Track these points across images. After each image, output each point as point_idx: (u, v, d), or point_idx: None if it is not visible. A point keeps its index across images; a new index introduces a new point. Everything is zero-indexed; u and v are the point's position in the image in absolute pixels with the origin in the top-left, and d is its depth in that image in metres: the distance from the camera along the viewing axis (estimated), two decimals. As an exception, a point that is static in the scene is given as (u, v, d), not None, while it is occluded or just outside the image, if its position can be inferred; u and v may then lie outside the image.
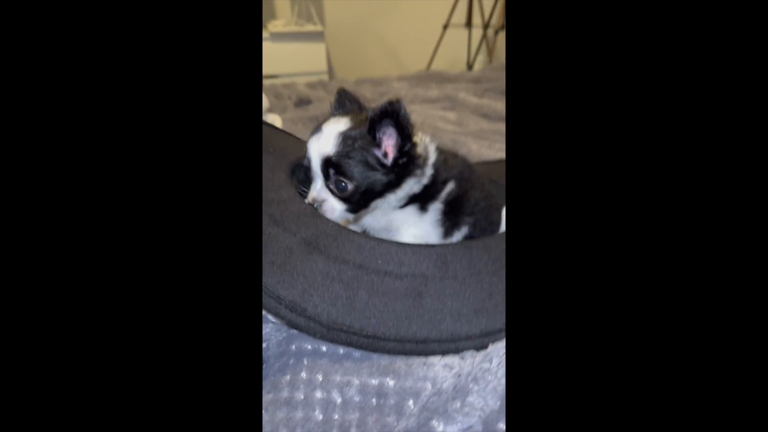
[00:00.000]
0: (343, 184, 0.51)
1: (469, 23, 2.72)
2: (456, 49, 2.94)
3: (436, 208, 0.55)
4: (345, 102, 0.59)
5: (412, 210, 0.55)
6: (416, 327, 0.43)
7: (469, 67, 2.79)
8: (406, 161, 0.51)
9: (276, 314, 0.43)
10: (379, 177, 0.51)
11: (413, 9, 3.01)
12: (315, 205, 0.52)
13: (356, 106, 0.59)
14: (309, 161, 0.52)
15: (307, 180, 0.55)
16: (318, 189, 0.52)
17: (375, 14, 3.03)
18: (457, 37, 2.82)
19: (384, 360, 0.43)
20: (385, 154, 0.51)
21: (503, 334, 0.43)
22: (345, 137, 0.50)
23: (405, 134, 0.50)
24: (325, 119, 0.55)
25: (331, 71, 3.09)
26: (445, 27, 2.68)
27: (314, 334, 0.43)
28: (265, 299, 0.43)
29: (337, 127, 0.51)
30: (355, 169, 0.50)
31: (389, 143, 0.51)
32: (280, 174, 0.56)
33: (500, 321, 0.43)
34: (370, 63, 3.21)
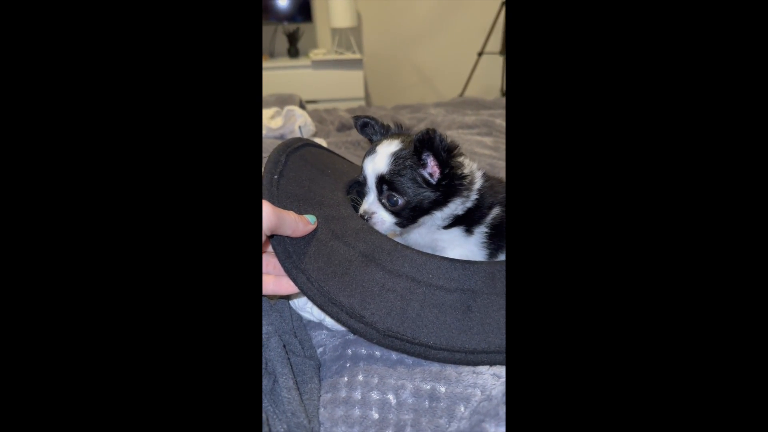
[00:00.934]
0: (395, 198, 0.57)
1: (504, 50, 2.78)
2: (489, 76, 3.00)
3: (481, 231, 0.59)
4: (369, 126, 0.66)
5: (457, 232, 0.59)
6: (465, 338, 0.46)
7: (503, 93, 2.84)
8: (450, 182, 0.57)
9: (337, 319, 0.47)
10: (427, 194, 0.57)
11: (449, 37, 3.12)
12: (365, 217, 0.58)
13: (384, 130, 0.65)
14: (364, 178, 0.59)
15: (360, 195, 0.62)
16: (370, 202, 0.59)
17: (411, 42, 3.15)
18: (492, 64, 2.88)
19: (435, 367, 0.46)
20: (431, 174, 0.57)
21: None
22: (396, 157, 0.57)
23: (442, 160, 0.55)
24: (379, 141, 0.61)
25: (368, 98, 3.21)
26: (480, 54, 2.75)
27: (371, 339, 0.47)
28: (327, 305, 0.47)
29: (389, 147, 0.58)
30: (406, 185, 0.57)
31: (434, 164, 0.56)
32: (338, 193, 0.61)
33: None
34: (406, 90, 3.31)
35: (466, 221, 0.59)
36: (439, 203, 0.58)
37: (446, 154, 0.55)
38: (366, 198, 0.60)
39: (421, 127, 1.66)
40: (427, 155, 0.55)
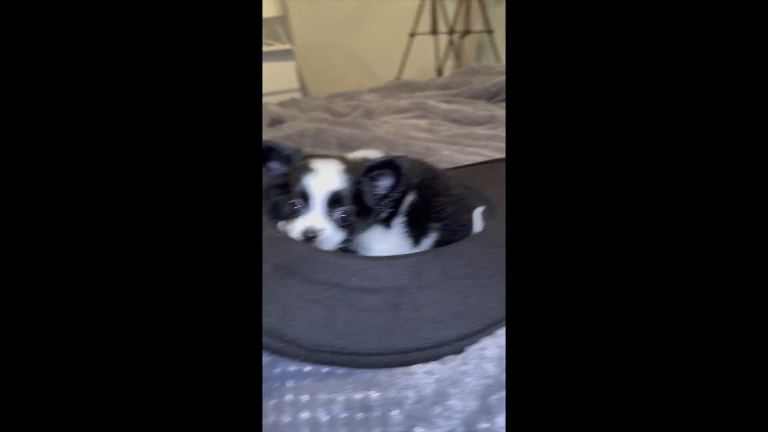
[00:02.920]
0: (345, 215, 0.56)
1: (434, 30, 2.78)
2: (425, 57, 2.99)
3: (398, 222, 0.58)
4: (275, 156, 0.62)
5: (376, 228, 0.58)
6: (396, 339, 0.44)
7: (439, 73, 2.84)
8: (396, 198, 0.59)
9: None
10: (378, 208, 0.59)
11: (379, 21, 3.07)
12: (309, 235, 0.55)
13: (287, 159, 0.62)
14: (302, 196, 0.56)
15: (280, 213, 0.59)
16: (315, 220, 0.56)
17: (342, 28, 3.08)
18: (426, 45, 2.87)
19: (367, 374, 0.44)
20: (383, 191, 0.59)
21: (479, 336, 0.44)
22: (348, 175, 0.57)
23: (400, 182, 0.58)
24: (305, 162, 0.59)
25: (303, 88, 3.11)
26: (412, 35, 2.73)
27: (296, 357, 0.43)
28: None
29: (333, 166, 0.58)
30: (360, 201, 0.57)
31: (383, 184, 0.58)
32: None
33: (476, 323, 0.45)
34: (343, 77, 3.24)
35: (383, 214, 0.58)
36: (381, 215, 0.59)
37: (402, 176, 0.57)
38: (305, 216, 0.56)
39: (357, 114, 1.62)
40: (381, 176, 0.58)
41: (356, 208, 0.56)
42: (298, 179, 0.57)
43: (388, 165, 0.57)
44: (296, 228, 0.56)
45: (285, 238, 0.52)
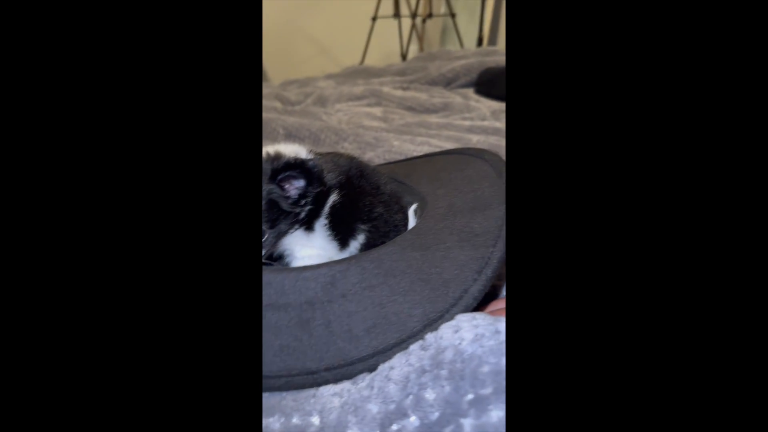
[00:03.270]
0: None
1: (396, 13, 2.71)
2: (389, 41, 2.93)
3: (321, 224, 0.53)
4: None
5: (297, 232, 0.52)
6: (305, 358, 0.40)
7: (403, 57, 2.79)
8: (312, 199, 0.52)
9: None
10: (290, 217, 0.52)
11: (340, 3, 2.96)
12: None
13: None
14: None
15: None
16: None
17: (302, 12, 2.96)
18: (387, 29, 2.80)
19: (273, 398, 0.40)
20: (289, 197, 0.51)
21: (393, 351, 0.40)
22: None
23: (313, 182, 0.51)
24: None
25: (264, 74, 2.99)
26: (374, 19, 2.65)
27: None
28: None
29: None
30: (269, 215, 0.50)
31: (295, 186, 0.51)
32: None
33: (391, 337, 0.41)
34: (305, 62, 3.13)
35: (302, 218, 0.52)
36: (299, 220, 0.53)
37: (320, 176, 0.51)
38: None
39: (309, 102, 1.55)
40: (288, 179, 0.50)
41: (269, 214, 0.50)
42: None
43: (295, 167, 0.50)
44: None
45: None
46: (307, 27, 3.04)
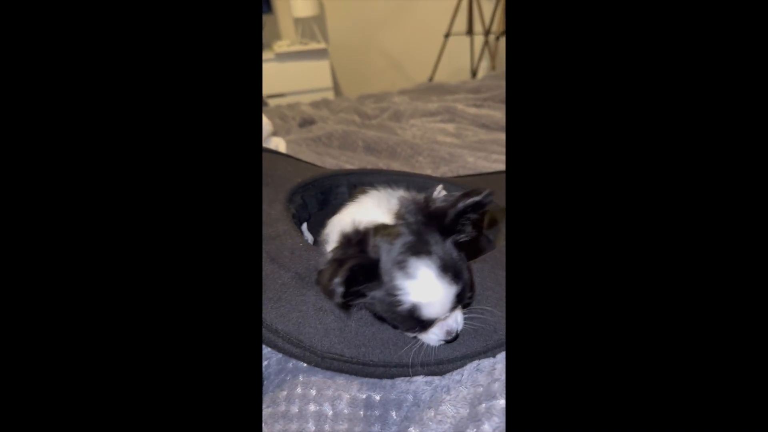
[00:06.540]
0: (471, 295, 0.46)
1: (470, 31, 2.76)
2: (459, 58, 2.97)
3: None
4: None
5: None
6: (403, 353, 0.46)
7: (473, 74, 2.82)
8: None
9: (274, 346, 0.47)
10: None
11: (414, 20, 3.07)
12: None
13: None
14: (428, 308, 0.41)
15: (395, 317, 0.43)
16: (458, 321, 0.45)
17: (377, 28, 3.10)
18: (460, 45, 2.85)
19: (378, 381, 0.46)
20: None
21: (480, 356, 0.45)
22: (445, 267, 0.42)
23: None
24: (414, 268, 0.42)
25: (336, 87, 3.16)
26: (447, 36, 2.72)
27: (310, 362, 0.47)
28: (264, 333, 0.47)
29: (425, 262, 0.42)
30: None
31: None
32: (277, 206, 0.60)
33: (480, 344, 0.46)
34: (375, 76, 3.27)
35: None
36: None
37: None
38: (440, 326, 0.44)
39: (384, 117, 1.65)
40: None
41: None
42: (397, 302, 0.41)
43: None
44: (433, 337, 0.45)
45: (307, 247, 0.54)
46: (381, 42, 3.17)
